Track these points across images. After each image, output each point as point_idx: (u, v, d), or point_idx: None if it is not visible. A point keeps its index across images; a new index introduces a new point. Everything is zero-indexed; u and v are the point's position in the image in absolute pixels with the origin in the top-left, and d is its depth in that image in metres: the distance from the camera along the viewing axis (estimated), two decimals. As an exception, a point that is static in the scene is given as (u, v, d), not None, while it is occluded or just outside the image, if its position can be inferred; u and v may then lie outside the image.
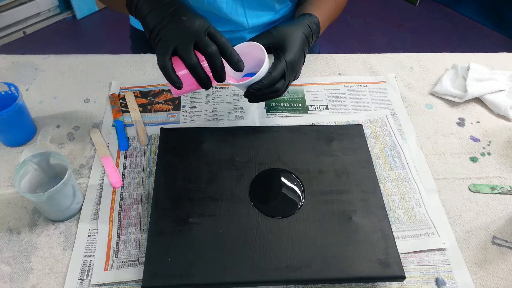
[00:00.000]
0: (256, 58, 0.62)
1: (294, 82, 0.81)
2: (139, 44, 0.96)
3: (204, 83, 0.56)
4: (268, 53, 0.61)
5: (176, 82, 0.55)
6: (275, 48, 0.63)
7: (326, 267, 0.55)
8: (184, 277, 0.53)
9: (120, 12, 0.71)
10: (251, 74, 0.64)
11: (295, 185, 0.63)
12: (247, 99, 0.63)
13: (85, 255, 0.57)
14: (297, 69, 0.64)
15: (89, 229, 0.60)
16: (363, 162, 0.66)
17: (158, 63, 0.54)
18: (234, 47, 0.63)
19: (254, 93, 0.60)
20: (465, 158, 0.71)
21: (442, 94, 0.81)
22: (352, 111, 0.78)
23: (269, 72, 0.60)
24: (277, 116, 0.76)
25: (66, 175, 0.56)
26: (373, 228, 0.58)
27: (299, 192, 0.62)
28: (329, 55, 0.88)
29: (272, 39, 0.63)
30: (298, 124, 0.74)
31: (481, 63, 0.83)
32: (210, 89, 0.80)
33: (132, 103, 0.76)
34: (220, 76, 0.56)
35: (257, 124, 0.74)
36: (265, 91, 0.61)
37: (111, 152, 0.69)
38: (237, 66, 0.56)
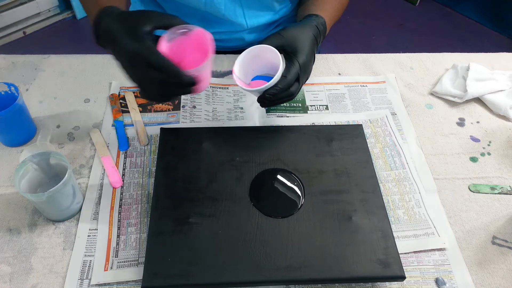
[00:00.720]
0: (266, 61, 0.62)
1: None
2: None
3: (183, 91, 0.55)
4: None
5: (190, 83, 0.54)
6: (285, 50, 0.63)
7: (326, 267, 0.55)
8: (184, 277, 0.53)
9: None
10: (261, 77, 0.64)
11: (295, 185, 0.63)
12: (259, 104, 0.62)
13: (85, 255, 0.57)
14: (309, 70, 0.64)
15: (89, 229, 0.60)
16: (363, 162, 0.66)
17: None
18: (247, 50, 0.62)
19: (270, 98, 0.60)
20: (465, 158, 0.71)
21: (442, 94, 0.81)
22: (352, 111, 0.78)
23: (284, 76, 0.59)
24: (277, 116, 0.76)
25: (66, 175, 0.56)
26: (373, 228, 0.58)
27: (299, 192, 0.62)
28: (329, 55, 0.88)
29: (283, 41, 0.62)
30: (298, 124, 0.74)
31: (481, 63, 0.83)
32: (210, 89, 0.80)
33: (132, 103, 0.77)
34: (188, 92, 0.54)
35: (257, 124, 0.74)
36: (280, 95, 0.60)
37: (111, 152, 0.69)
38: (190, 82, 0.52)
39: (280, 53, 0.62)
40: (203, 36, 0.56)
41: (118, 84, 0.80)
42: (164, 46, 0.54)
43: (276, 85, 0.59)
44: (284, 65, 0.61)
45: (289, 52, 0.62)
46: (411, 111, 0.79)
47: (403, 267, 0.55)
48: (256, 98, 0.64)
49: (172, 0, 0.80)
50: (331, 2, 0.74)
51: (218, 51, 0.90)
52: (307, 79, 0.65)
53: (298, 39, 0.62)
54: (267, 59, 0.62)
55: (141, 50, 0.51)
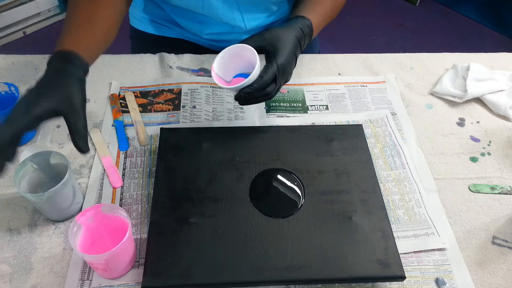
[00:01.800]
0: (247, 60, 0.62)
1: (294, 82, 0.82)
2: (139, 44, 0.96)
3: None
4: (259, 55, 0.60)
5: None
6: (266, 51, 0.63)
7: (326, 267, 0.55)
8: (184, 277, 0.53)
9: None
10: (242, 75, 0.64)
11: (295, 185, 0.63)
12: (237, 101, 0.62)
13: (85, 255, 0.57)
14: (288, 72, 0.64)
15: (89, 229, 0.60)
16: (363, 162, 0.66)
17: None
18: (227, 48, 0.63)
19: (245, 97, 0.60)
20: (465, 158, 0.71)
21: (442, 94, 0.81)
22: (352, 111, 0.78)
23: (260, 76, 0.60)
24: (277, 116, 0.76)
25: (66, 175, 0.55)
26: (373, 228, 0.58)
27: (299, 192, 0.62)
28: (329, 55, 0.88)
29: (264, 42, 0.62)
30: (298, 124, 0.74)
31: (481, 63, 0.83)
32: (210, 89, 0.80)
33: (132, 103, 0.77)
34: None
35: (257, 124, 0.74)
36: (256, 95, 0.60)
37: (111, 152, 0.69)
38: (81, 150, 0.53)
39: (262, 53, 0.62)
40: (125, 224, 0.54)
41: (118, 84, 0.80)
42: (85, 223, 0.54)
43: (252, 84, 0.59)
44: (262, 65, 0.61)
45: (269, 53, 0.62)
46: (411, 111, 0.79)
47: (403, 267, 0.55)
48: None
49: (170, 3, 0.80)
50: (323, 4, 0.73)
51: (217, 51, 0.90)
52: (286, 80, 0.65)
53: (279, 40, 0.62)
54: (246, 57, 0.62)
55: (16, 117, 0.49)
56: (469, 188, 0.67)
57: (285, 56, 0.62)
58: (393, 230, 0.59)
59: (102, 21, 0.62)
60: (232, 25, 0.80)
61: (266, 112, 0.77)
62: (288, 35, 0.64)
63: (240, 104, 0.63)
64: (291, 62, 0.63)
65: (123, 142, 0.70)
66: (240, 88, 0.60)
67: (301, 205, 0.61)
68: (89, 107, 0.76)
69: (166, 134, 0.68)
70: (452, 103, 0.80)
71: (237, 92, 0.61)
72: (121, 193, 0.64)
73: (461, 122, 0.77)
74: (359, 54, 0.89)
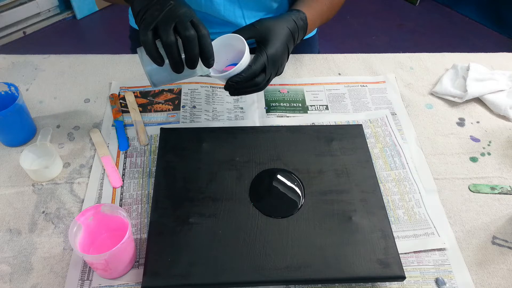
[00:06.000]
0: (237, 50, 0.62)
1: (294, 82, 0.82)
2: (139, 44, 0.96)
3: (176, 64, 0.54)
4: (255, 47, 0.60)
5: (156, 57, 0.54)
6: (258, 42, 0.63)
7: (326, 267, 0.55)
8: (184, 277, 0.53)
9: (113, 2, 0.70)
10: (235, 65, 0.64)
11: (295, 185, 0.63)
12: (228, 92, 0.62)
13: (85, 255, 0.57)
14: (279, 63, 0.63)
15: (89, 229, 0.60)
16: (363, 162, 0.66)
17: (140, 39, 0.54)
18: (217, 38, 0.62)
19: (233, 86, 0.60)
20: (465, 158, 0.71)
21: (442, 94, 0.81)
22: (352, 111, 0.78)
23: (249, 65, 0.59)
24: (277, 116, 0.76)
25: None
26: (373, 228, 0.58)
27: (299, 192, 0.62)
28: (329, 55, 0.88)
29: (255, 33, 0.62)
30: (298, 124, 0.74)
31: (481, 63, 0.83)
32: (210, 89, 0.80)
33: (132, 103, 0.77)
34: (192, 62, 0.54)
35: (257, 124, 0.74)
36: (245, 84, 0.60)
37: (111, 152, 0.69)
38: (207, 62, 0.55)
39: (254, 44, 0.62)
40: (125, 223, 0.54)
41: (118, 84, 0.80)
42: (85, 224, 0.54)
43: (240, 73, 0.59)
44: (253, 55, 0.61)
45: (260, 44, 0.62)
46: (411, 111, 0.79)
47: (403, 267, 0.55)
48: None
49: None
50: (320, 1, 0.73)
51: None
52: (278, 73, 0.64)
53: (271, 31, 0.62)
54: (237, 48, 0.62)
55: (190, 10, 0.54)
56: (469, 188, 0.67)
57: (275, 47, 0.61)
58: (393, 230, 0.59)
59: None
60: (233, 23, 0.80)
61: (266, 112, 0.77)
62: (280, 26, 0.63)
63: (230, 94, 0.62)
64: (283, 54, 0.63)
65: (123, 142, 0.70)
66: (229, 77, 0.59)
67: (301, 205, 0.61)
68: (89, 107, 0.76)
69: (166, 134, 0.68)
70: (452, 103, 0.80)
71: (226, 82, 0.60)
72: (121, 193, 0.64)
73: (461, 122, 0.77)
74: (359, 54, 0.89)
